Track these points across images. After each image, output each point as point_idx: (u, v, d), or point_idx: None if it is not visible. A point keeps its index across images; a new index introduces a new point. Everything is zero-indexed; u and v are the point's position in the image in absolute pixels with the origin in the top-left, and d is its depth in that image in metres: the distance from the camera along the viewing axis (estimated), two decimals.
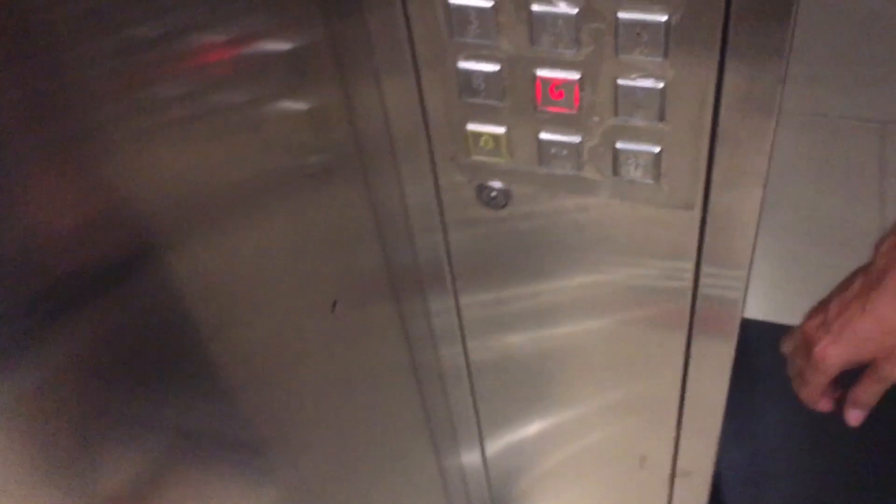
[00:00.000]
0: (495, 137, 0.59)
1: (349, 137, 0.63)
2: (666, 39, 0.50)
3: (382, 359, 0.84)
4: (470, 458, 0.97)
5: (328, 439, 0.91)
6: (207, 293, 0.57)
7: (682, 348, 0.69)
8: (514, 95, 0.56)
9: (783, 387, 1.03)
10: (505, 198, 0.63)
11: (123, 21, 0.46)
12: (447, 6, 0.53)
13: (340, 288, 0.73)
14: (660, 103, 0.53)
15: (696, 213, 0.59)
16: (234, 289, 0.64)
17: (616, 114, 0.54)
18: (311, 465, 0.85)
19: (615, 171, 0.58)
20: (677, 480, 0.84)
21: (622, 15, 0.49)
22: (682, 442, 0.79)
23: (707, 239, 0.60)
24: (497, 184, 0.63)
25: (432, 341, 0.79)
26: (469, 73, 0.56)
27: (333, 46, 0.58)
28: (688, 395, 0.74)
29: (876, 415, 1.14)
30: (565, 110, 0.55)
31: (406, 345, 0.82)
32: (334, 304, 0.67)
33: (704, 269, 0.62)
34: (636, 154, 0.56)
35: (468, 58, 0.55)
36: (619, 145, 0.56)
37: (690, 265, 0.63)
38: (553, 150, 0.58)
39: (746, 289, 0.63)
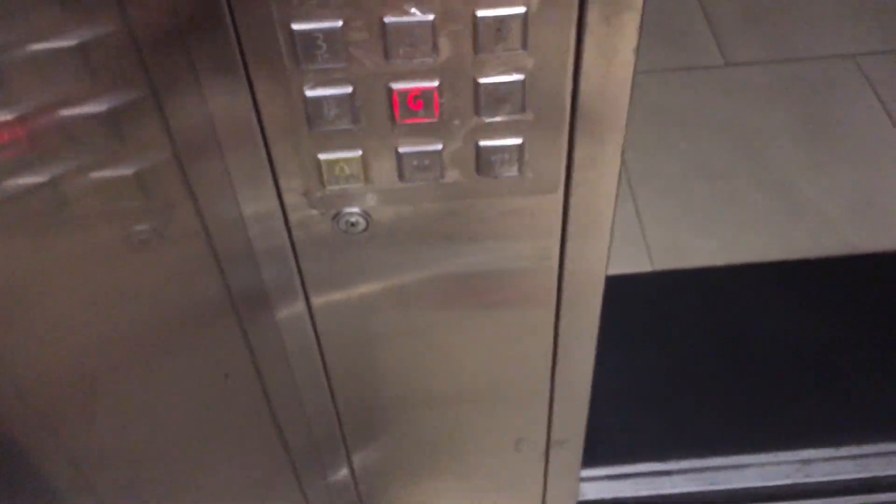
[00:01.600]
0: (351, 163, 0.56)
1: (184, 191, 0.57)
2: (524, 31, 0.49)
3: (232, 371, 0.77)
4: (335, 471, 0.92)
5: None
6: None
7: (552, 324, 0.70)
8: (370, 115, 0.53)
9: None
10: (365, 221, 0.60)
11: None
12: (291, 33, 0.48)
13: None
14: (521, 96, 0.52)
15: (560, 196, 0.60)
16: None
17: (478, 114, 0.53)
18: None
19: (478, 169, 0.57)
20: (552, 452, 0.86)
21: (481, 13, 0.48)
22: (556, 416, 0.81)
23: (570, 217, 0.61)
24: (355, 209, 0.59)
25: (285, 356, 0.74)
26: (319, 101, 0.52)
27: (157, 97, 0.51)
28: (558, 368, 0.76)
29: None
30: (426, 120, 0.53)
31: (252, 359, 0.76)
32: None
33: (569, 246, 0.64)
34: (500, 149, 0.56)
35: (317, 85, 0.51)
36: (482, 143, 0.55)
37: (556, 244, 0.64)
38: (415, 163, 0.56)
39: (608, 258, 0.65)
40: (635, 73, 0.52)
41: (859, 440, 1.26)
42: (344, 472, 0.93)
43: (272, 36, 0.49)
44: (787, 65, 1.96)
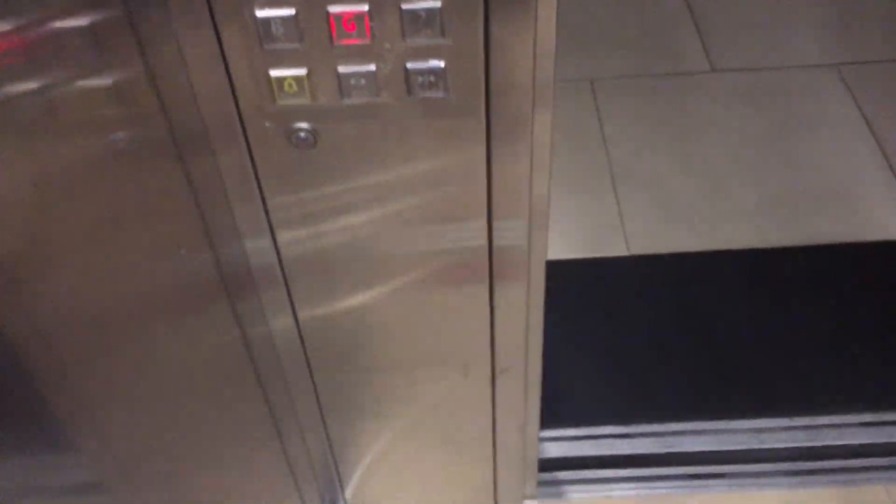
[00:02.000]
0: (298, 80, 0.65)
1: (155, 105, 0.66)
2: None
3: (212, 332, 0.86)
4: (309, 423, 1.01)
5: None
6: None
7: (485, 236, 0.79)
8: (311, 36, 0.63)
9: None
10: (314, 137, 0.69)
11: None
12: None
13: (160, 252, 0.76)
14: (440, 20, 0.62)
15: (482, 119, 0.69)
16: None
17: (404, 38, 0.63)
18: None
19: (409, 91, 0.66)
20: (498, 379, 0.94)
21: None
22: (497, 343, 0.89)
23: (494, 137, 0.70)
24: (304, 125, 0.69)
25: (256, 292, 0.83)
26: (268, 21, 0.61)
27: (129, 16, 0.61)
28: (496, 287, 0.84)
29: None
30: (359, 41, 0.63)
31: (233, 316, 0.85)
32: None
33: (495, 164, 0.72)
34: (425, 71, 0.65)
35: (264, 5, 0.61)
36: (409, 66, 0.65)
37: (482, 163, 0.72)
38: (352, 82, 0.65)
39: (535, 174, 0.74)
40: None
41: (811, 412, 1.33)
42: (319, 427, 1.02)
43: None
44: (772, 72, 2.04)
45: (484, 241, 0.79)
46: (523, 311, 0.87)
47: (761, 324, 1.46)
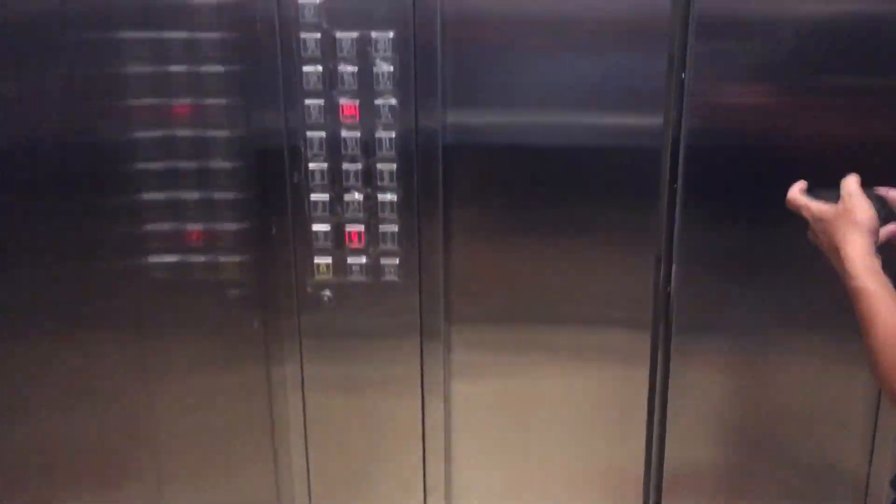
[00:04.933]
0: (327, 265, 1.35)
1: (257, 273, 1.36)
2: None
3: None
4: None
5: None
6: None
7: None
8: (336, 246, 1.33)
9: None
10: (332, 300, 1.37)
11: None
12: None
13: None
14: (400, 246, 1.33)
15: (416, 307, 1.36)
16: None
17: (377, 246, 1.34)
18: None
19: (379, 275, 1.35)
20: None
21: None
22: None
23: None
24: (328, 292, 1.37)
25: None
26: (318, 236, 1.33)
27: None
28: None
29: None
30: (360, 246, 1.33)
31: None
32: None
33: None
34: (390, 266, 1.34)
35: (318, 220, 1.33)
36: (381, 261, 1.34)
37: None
38: (354, 269, 1.35)
39: None
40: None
41: None
42: None
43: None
44: None
45: None
46: None
47: None
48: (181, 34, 1.25)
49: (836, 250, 1.05)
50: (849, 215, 1.06)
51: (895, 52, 1.20)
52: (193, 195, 1.33)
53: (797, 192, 1.13)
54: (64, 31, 1.15)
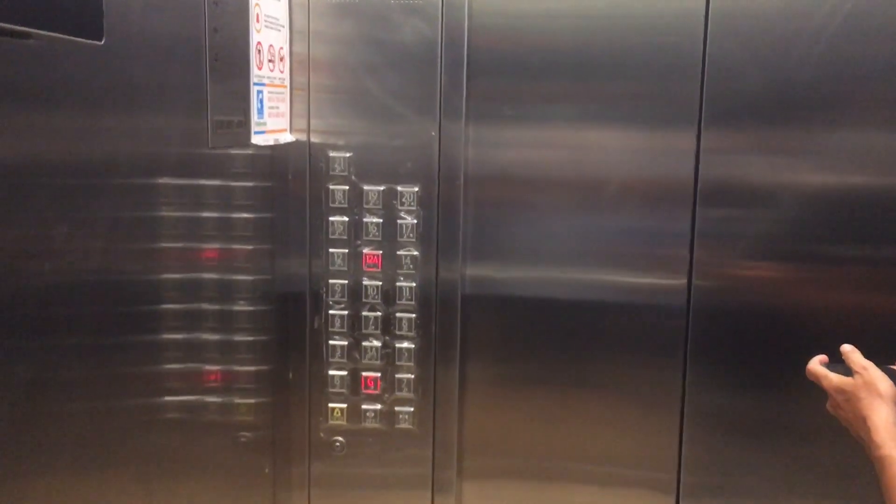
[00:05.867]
0: (341, 410, 1.35)
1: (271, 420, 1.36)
2: None
3: None
4: None
5: None
6: None
7: None
8: (350, 391, 1.34)
9: None
10: (343, 447, 1.36)
11: None
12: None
13: None
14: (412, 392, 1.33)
15: (429, 447, 1.35)
16: None
17: (392, 393, 1.34)
18: None
19: (393, 423, 1.35)
20: None
21: None
22: None
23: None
24: (340, 439, 1.36)
25: None
26: (333, 379, 1.34)
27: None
28: None
29: None
30: (375, 392, 1.34)
31: None
32: None
33: None
34: (403, 413, 1.34)
35: (335, 366, 1.34)
36: (396, 408, 1.34)
37: None
38: (370, 415, 1.35)
39: None
40: None
41: None
42: None
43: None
44: None
45: None
46: None
47: None
48: (216, 182, 1.30)
49: (861, 420, 1.06)
50: (871, 387, 1.08)
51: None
52: (214, 337, 1.34)
53: (817, 363, 1.16)
54: (110, 176, 1.21)
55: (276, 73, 1.24)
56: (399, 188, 1.29)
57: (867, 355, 1.11)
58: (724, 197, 1.26)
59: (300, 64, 1.29)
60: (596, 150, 1.28)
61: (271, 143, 1.24)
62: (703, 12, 1.22)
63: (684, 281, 1.27)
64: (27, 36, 0.74)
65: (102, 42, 0.88)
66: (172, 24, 1.04)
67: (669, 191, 1.27)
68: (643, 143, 1.27)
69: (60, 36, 0.79)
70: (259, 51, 1.17)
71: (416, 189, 1.29)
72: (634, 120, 1.27)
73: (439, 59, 1.27)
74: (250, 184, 1.30)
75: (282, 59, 1.26)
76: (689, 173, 1.25)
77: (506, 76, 1.29)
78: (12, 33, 0.71)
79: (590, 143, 1.29)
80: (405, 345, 1.33)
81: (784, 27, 1.21)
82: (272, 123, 1.23)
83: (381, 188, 1.29)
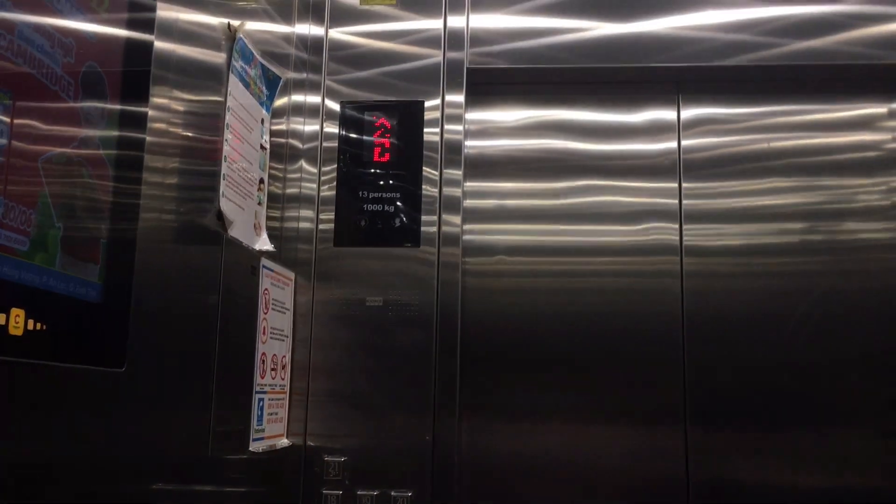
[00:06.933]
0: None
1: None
2: None
3: None
4: None
5: None
6: None
7: None
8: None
9: None
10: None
11: None
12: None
13: None
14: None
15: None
16: None
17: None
18: None
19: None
20: None
21: None
22: None
23: None
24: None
25: None
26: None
27: None
28: None
29: None
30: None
31: None
32: None
33: None
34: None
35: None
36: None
37: None
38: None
39: None
40: None
41: None
42: None
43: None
44: None
45: None
46: None
47: None
48: (208, 488, 1.30)
49: None
50: None
51: None
52: None
53: None
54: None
55: (278, 381, 1.28)
56: (393, 493, 1.29)
57: None
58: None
59: (301, 371, 1.34)
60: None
61: (268, 448, 1.26)
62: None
63: None
64: None
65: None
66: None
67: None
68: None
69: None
70: (263, 360, 1.22)
71: (410, 494, 1.29)
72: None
73: (433, 365, 1.33)
74: (244, 489, 1.29)
75: (283, 368, 1.31)
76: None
77: (497, 376, 1.36)
78: None
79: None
80: None
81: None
82: (270, 429, 1.26)
83: (375, 493, 1.29)
